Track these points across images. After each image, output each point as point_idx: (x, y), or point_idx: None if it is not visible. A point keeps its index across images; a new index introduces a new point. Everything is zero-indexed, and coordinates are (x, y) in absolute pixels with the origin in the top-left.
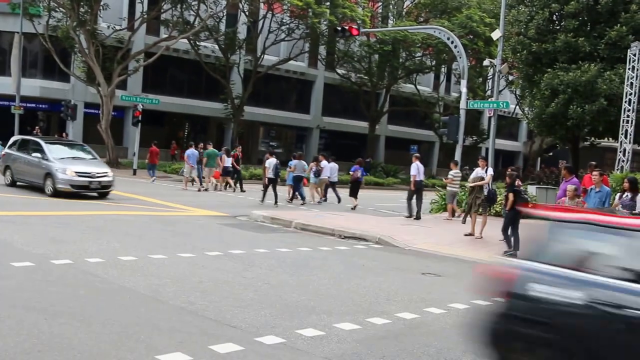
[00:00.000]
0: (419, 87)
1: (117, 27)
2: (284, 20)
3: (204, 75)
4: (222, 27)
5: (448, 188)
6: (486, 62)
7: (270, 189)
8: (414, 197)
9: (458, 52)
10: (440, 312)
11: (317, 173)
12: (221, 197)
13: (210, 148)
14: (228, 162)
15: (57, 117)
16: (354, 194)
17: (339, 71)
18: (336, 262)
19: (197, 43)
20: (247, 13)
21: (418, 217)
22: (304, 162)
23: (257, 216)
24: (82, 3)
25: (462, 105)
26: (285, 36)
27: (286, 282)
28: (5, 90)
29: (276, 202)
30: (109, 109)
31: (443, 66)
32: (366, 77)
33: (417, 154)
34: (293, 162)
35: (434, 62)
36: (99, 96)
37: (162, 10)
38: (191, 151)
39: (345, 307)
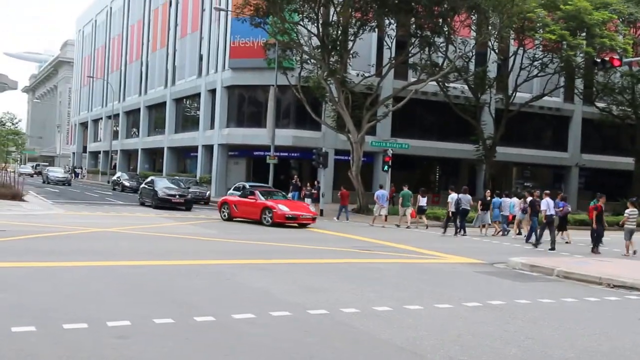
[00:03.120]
0: None
1: (366, 74)
2: (537, 55)
3: (453, 116)
4: (471, 66)
5: (625, 226)
6: None
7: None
8: (545, 229)
9: None
10: None
11: (525, 210)
12: (473, 243)
13: (405, 189)
14: (423, 201)
15: (308, 164)
16: (563, 228)
17: (598, 105)
18: (606, 315)
19: (446, 85)
20: (497, 51)
21: (552, 248)
22: (468, 196)
23: (515, 263)
24: (332, 53)
25: None
26: (538, 72)
27: (551, 337)
28: (261, 141)
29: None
30: (359, 155)
31: None
32: (630, 110)
33: (547, 191)
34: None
35: None
36: (348, 143)
37: (410, 55)
38: (380, 192)
39: None
